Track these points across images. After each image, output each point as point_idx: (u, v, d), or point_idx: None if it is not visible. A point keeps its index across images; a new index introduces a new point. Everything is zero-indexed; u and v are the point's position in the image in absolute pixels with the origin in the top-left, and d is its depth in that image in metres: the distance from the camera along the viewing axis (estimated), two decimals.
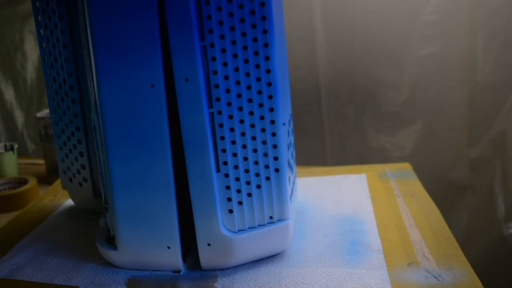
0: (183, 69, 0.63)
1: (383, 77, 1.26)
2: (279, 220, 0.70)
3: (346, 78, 1.29)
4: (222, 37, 0.63)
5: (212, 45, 0.63)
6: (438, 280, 0.66)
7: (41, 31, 0.81)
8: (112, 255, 0.72)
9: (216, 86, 0.64)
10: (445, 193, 1.27)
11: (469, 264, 0.70)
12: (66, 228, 0.88)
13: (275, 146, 0.67)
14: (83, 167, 0.85)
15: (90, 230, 0.85)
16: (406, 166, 1.06)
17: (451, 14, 1.18)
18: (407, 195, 0.92)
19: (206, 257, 0.69)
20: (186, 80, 0.63)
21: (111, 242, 0.74)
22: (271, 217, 0.69)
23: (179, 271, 0.71)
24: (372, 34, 1.24)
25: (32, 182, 1.06)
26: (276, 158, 0.67)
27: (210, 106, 0.64)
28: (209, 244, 0.68)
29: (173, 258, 0.70)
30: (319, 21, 1.26)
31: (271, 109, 0.65)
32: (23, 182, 1.07)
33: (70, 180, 0.88)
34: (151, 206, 0.68)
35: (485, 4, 1.14)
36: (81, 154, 0.84)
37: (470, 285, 0.65)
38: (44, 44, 0.81)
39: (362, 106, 1.31)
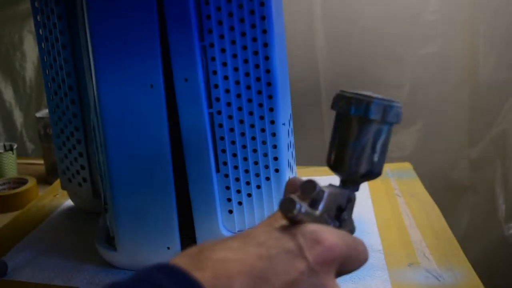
0: (182, 69, 0.63)
1: (384, 77, 1.26)
2: None
3: (346, 78, 1.29)
4: (221, 37, 0.63)
5: (212, 45, 0.63)
6: (439, 280, 0.66)
7: (40, 31, 0.81)
8: (111, 256, 0.72)
9: (216, 86, 0.64)
10: (446, 193, 1.26)
11: (469, 264, 0.70)
12: (65, 229, 0.88)
13: (275, 146, 0.67)
14: (82, 167, 0.85)
15: (89, 230, 0.84)
16: (407, 166, 1.06)
17: (451, 14, 1.18)
18: (408, 195, 0.92)
19: None
20: (186, 80, 0.63)
21: (110, 242, 0.73)
22: None
23: None
24: (372, 34, 1.24)
25: (32, 182, 1.05)
26: (276, 158, 0.67)
27: (210, 106, 0.64)
28: None
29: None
30: (320, 20, 1.26)
31: (271, 109, 0.65)
32: (23, 182, 1.07)
33: (70, 180, 0.87)
34: (151, 206, 0.67)
35: (485, 4, 1.14)
36: (80, 155, 0.84)
37: (471, 285, 0.65)
38: (43, 44, 0.81)
39: None
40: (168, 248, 0.69)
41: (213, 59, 0.63)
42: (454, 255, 0.73)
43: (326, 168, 1.05)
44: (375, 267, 0.70)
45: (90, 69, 0.66)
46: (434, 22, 1.19)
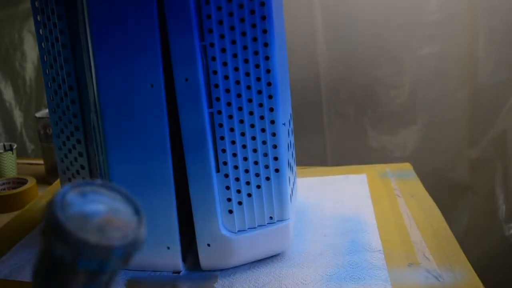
0: (183, 69, 0.63)
1: (384, 77, 1.26)
2: (279, 221, 0.69)
3: (346, 78, 1.29)
4: (222, 36, 0.63)
5: (212, 44, 0.63)
6: (439, 280, 0.66)
7: (40, 30, 0.80)
8: None
9: (216, 86, 0.64)
10: (446, 193, 1.26)
11: (469, 265, 0.70)
12: None
13: (275, 146, 0.66)
14: (82, 167, 0.85)
15: None
16: (407, 166, 1.06)
17: (452, 13, 1.18)
18: (408, 195, 0.92)
19: (206, 257, 0.69)
20: (186, 80, 0.63)
21: None
22: (271, 218, 0.69)
23: (178, 272, 0.71)
24: (373, 34, 1.24)
25: (31, 182, 1.05)
26: (276, 158, 0.67)
27: (210, 106, 0.64)
28: (209, 245, 0.68)
29: (173, 258, 0.70)
30: (320, 21, 1.26)
31: (271, 109, 0.65)
32: (22, 182, 1.07)
33: (70, 180, 0.87)
34: (151, 206, 0.67)
35: (485, 4, 1.14)
36: (80, 155, 0.84)
37: (471, 285, 0.65)
38: (43, 44, 0.81)
39: (363, 106, 1.31)
40: (168, 247, 0.69)
41: (214, 58, 0.63)
42: (454, 255, 0.72)
43: (326, 168, 1.05)
44: (375, 267, 0.70)
45: (90, 69, 0.66)
46: (434, 22, 1.19)
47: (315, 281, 0.67)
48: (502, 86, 1.18)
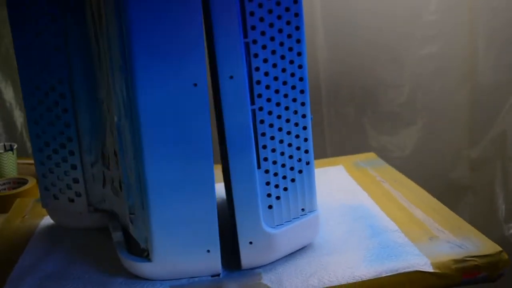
0: (227, 67, 0.62)
1: (384, 77, 1.27)
2: (309, 212, 0.71)
3: (346, 78, 1.30)
4: (263, 33, 0.63)
5: (255, 41, 0.63)
6: (462, 248, 0.69)
7: None
8: (144, 267, 0.68)
9: (258, 82, 0.64)
10: (446, 193, 1.27)
11: (479, 232, 0.73)
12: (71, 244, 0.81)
13: (306, 140, 0.68)
14: (75, 180, 0.79)
15: (95, 246, 0.79)
16: (372, 156, 1.08)
17: (451, 14, 1.20)
18: (391, 180, 0.96)
19: (247, 255, 0.68)
20: (231, 77, 0.62)
21: (138, 254, 0.70)
22: (303, 209, 0.71)
23: (218, 275, 0.69)
24: (373, 34, 1.25)
25: (31, 182, 1.05)
26: (307, 151, 0.69)
27: (252, 103, 0.64)
28: (251, 242, 0.67)
29: (213, 261, 0.68)
30: (320, 21, 1.26)
31: (303, 104, 0.67)
32: (23, 182, 1.06)
33: (55, 197, 0.80)
34: (190, 210, 0.65)
35: (485, 4, 1.16)
36: (73, 167, 0.78)
37: (492, 249, 0.69)
38: None
39: (363, 106, 1.32)
40: (208, 251, 0.67)
41: (256, 55, 0.63)
42: (463, 226, 0.76)
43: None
44: (403, 244, 0.72)
45: (113, 72, 0.65)
46: (434, 22, 1.21)
47: (359, 264, 0.68)
48: (502, 86, 1.20)
